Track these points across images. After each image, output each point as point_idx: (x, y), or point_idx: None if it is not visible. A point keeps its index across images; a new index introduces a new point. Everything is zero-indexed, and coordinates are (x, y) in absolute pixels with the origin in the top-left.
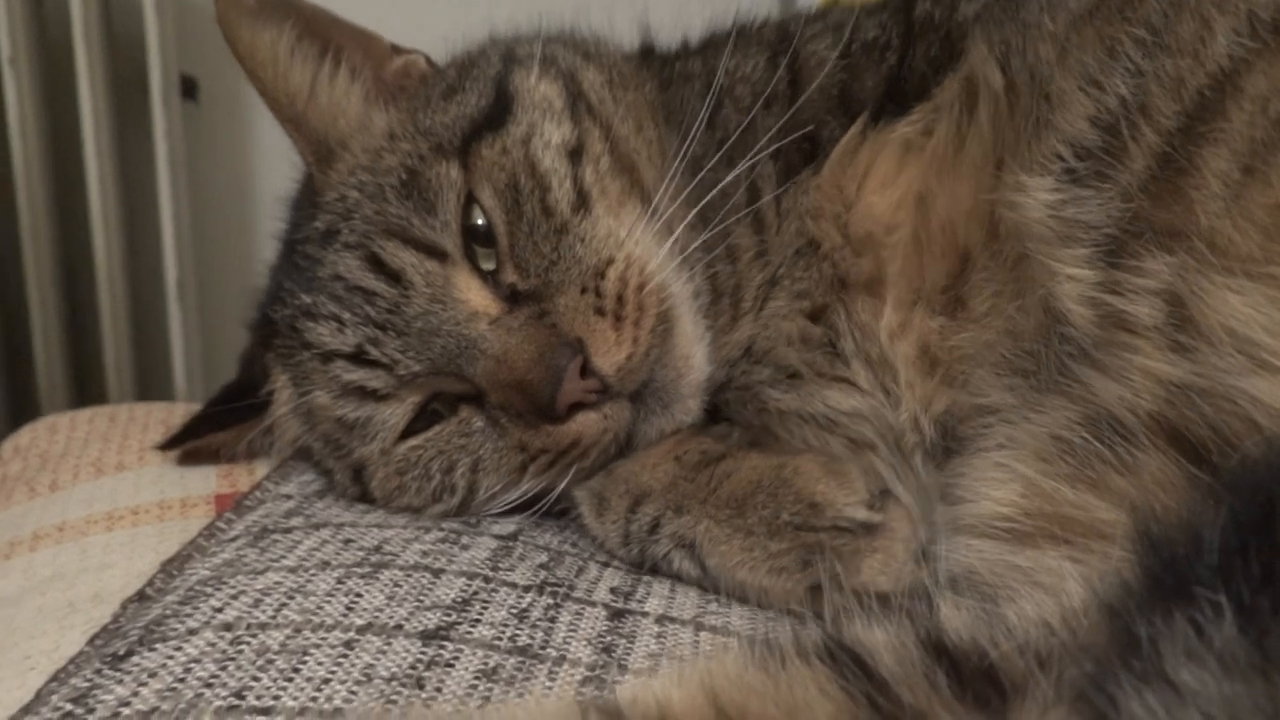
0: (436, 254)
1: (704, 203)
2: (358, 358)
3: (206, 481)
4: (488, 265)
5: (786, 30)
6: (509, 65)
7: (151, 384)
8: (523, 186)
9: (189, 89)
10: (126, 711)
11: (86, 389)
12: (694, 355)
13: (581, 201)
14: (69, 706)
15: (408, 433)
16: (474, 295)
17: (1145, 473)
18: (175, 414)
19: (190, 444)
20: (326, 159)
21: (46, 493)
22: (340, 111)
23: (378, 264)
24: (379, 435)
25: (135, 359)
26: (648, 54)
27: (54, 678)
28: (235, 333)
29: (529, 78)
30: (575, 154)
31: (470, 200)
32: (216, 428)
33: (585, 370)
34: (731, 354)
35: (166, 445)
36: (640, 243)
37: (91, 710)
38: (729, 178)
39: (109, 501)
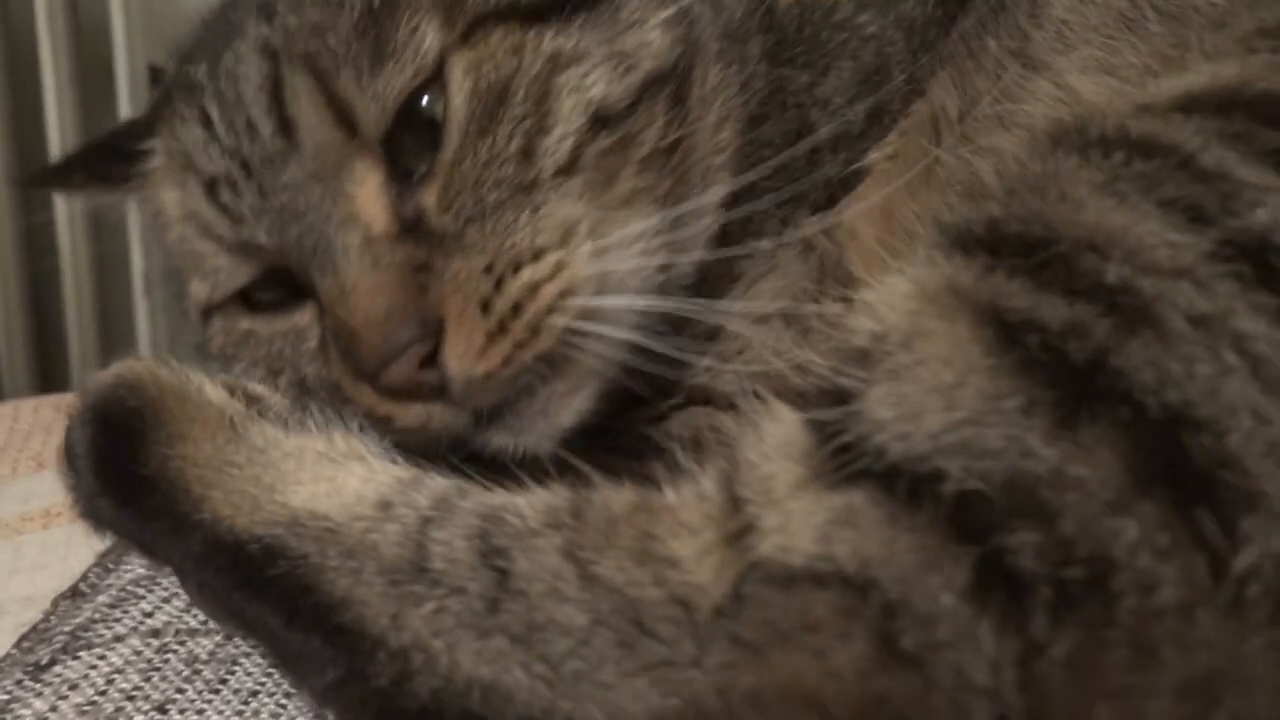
0: (347, 123)
1: (728, 226)
2: (210, 190)
3: None
4: (416, 167)
5: (882, 50)
6: None
7: None
8: (514, 106)
9: (157, 79)
10: None
11: (50, 382)
12: (573, 403)
13: (568, 167)
14: None
15: (247, 300)
16: (366, 196)
17: None
18: None
19: (61, 189)
20: None
21: None
22: None
23: (277, 96)
24: (213, 282)
25: (100, 350)
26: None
27: None
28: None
29: (651, 15)
30: (602, 121)
31: (435, 79)
32: (93, 178)
33: (431, 358)
34: (696, 330)
35: (33, 183)
36: (595, 261)
37: None
38: (768, 207)
39: (47, 498)
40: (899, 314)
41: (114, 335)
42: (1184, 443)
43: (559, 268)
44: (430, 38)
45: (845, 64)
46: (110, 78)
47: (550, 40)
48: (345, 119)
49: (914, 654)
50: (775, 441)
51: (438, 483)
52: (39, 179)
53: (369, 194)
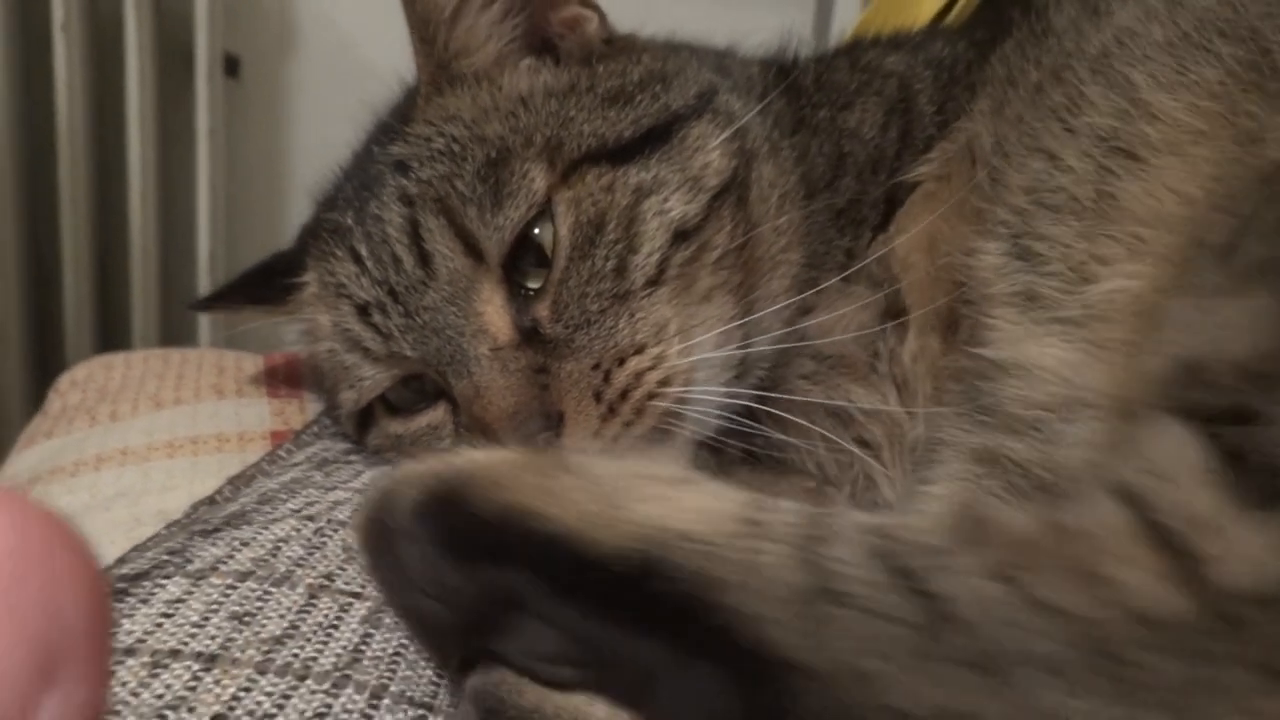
0: (474, 253)
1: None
2: (362, 313)
3: (261, 419)
4: (533, 284)
5: (906, 83)
6: (701, 107)
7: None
8: (608, 233)
9: (232, 67)
10: (224, 568)
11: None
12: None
13: (656, 278)
14: (166, 556)
15: (389, 403)
16: (492, 312)
17: None
18: (226, 360)
19: (222, 310)
20: (437, 86)
21: (107, 421)
22: (471, 49)
23: (415, 236)
24: (360, 388)
25: (162, 326)
26: (780, 74)
27: (138, 546)
28: None
29: (710, 140)
30: (682, 235)
31: (543, 215)
32: (251, 301)
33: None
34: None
35: (199, 305)
36: (687, 351)
37: (190, 560)
38: (831, 243)
39: (168, 431)
40: None
41: (175, 318)
42: None
43: (658, 360)
44: (538, 180)
45: (871, 99)
46: (189, 62)
47: (635, 175)
48: (473, 249)
49: None
50: (1168, 462)
51: (784, 502)
52: (205, 304)
53: (495, 310)
